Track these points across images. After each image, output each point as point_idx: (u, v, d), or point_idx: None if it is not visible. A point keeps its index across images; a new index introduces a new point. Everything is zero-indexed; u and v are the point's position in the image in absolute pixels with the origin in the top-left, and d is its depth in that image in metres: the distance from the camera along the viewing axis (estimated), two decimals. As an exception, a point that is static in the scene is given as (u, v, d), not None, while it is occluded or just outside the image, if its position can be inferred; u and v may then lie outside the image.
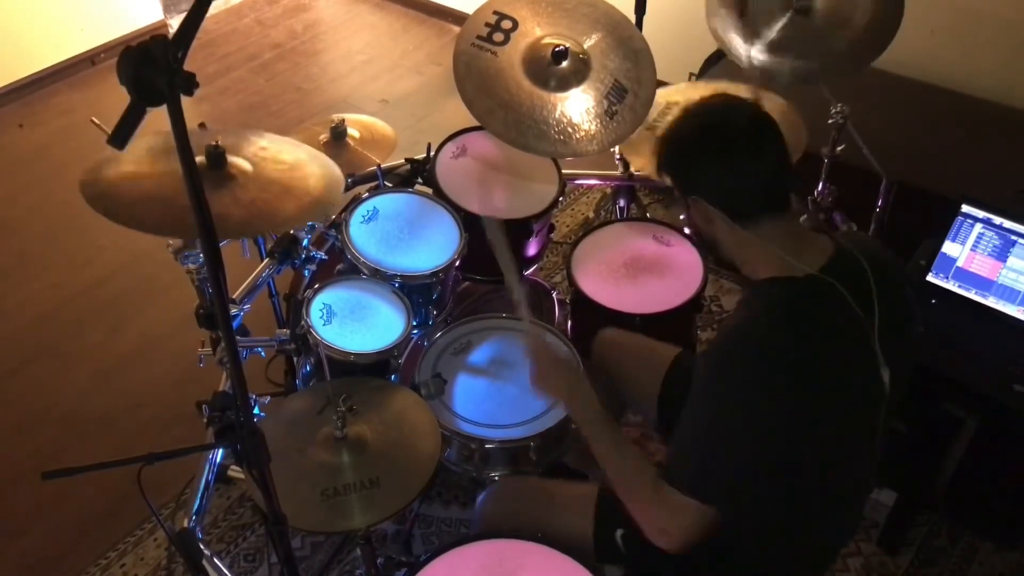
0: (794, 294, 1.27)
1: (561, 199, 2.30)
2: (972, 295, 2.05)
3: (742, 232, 1.30)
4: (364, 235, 2.08)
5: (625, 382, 1.88)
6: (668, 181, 1.37)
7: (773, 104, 2.26)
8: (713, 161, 1.30)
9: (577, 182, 2.77)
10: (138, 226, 1.60)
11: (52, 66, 3.81)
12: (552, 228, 2.42)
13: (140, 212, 1.62)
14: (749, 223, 1.29)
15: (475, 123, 2.13)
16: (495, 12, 2.14)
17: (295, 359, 2.07)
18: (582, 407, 1.47)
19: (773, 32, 2.09)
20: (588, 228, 2.35)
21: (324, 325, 1.89)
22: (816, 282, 1.26)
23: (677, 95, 2.32)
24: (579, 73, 2.12)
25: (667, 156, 1.35)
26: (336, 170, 1.84)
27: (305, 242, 2.02)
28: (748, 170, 1.28)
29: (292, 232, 1.97)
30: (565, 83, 2.11)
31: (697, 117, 1.32)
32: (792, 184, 1.32)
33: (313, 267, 2.08)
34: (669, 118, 2.19)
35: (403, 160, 2.37)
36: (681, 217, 1.41)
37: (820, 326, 1.27)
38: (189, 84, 0.90)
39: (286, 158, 1.81)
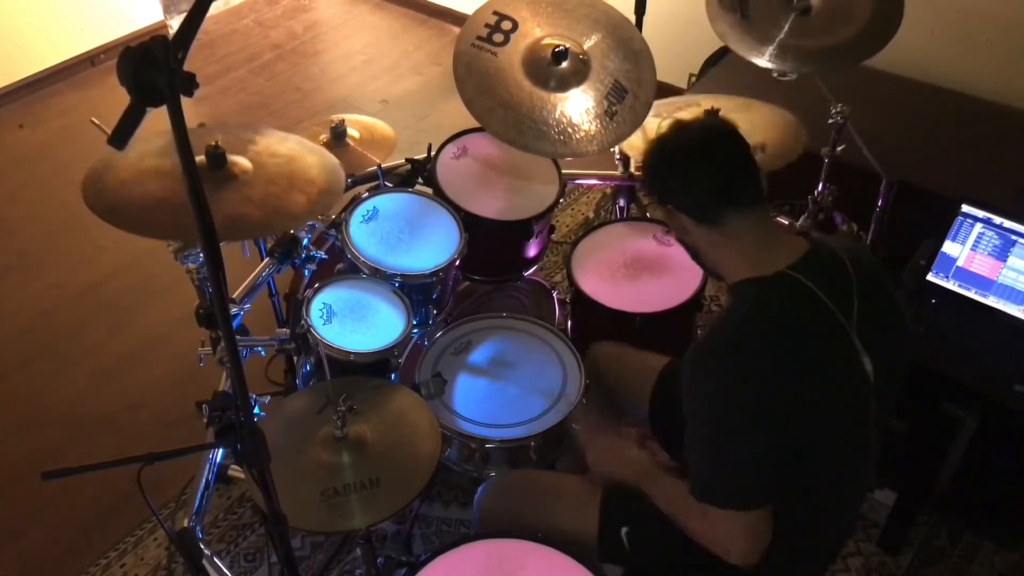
0: (762, 291, 1.34)
1: (561, 199, 2.30)
2: (972, 295, 2.05)
3: (712, 234, 1.38)
4: (364, 235, 2.08)
5: (618, 392, 1.90)
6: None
7: (767, 112, 2.26)
8: (666, 170, 1.41)
9: (577, 182, 2.77)
10: (147, 233, 1.60)
11: (52, 66, 3.81)
12: (552, 228, 2.42)
13: (148, 219, 1.61)
14: (715, 222, 1.36)
15: (475, 124, 2.13)
16: (495, 13, 2.14)
17: (295, 359, 2.07)
18: (637, 475, 1.55)
19: (774, 32, 2.09)
20: (588, 228, 2.35)
21: (324, 324, 1.89)
22: (784, 278, 1.32)
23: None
24: (579, 73, 2.12)
25: (642, 177, 1.47)
26: (331, 157, 1.84)
27: (305, 241, 2.02)
28: (695, 171, 1.37)
29: (292, 231, 1.97)
30: (565, 83, 2.11)
31: (655, 138, 1.44)
32: (757, 183, 1.37)
33: (313, 267, 2.08)
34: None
35: (403, 160, 2.38)
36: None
37: (786, 318, 1.32)
38: (189, 85, 0.90)
39: (280, 150, 1.81)
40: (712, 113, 2.13)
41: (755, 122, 2.22)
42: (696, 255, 1.47)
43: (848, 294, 1.33)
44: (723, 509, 1.33)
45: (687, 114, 2.18)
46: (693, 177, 1.37)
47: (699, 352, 1.36)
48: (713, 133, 1.39)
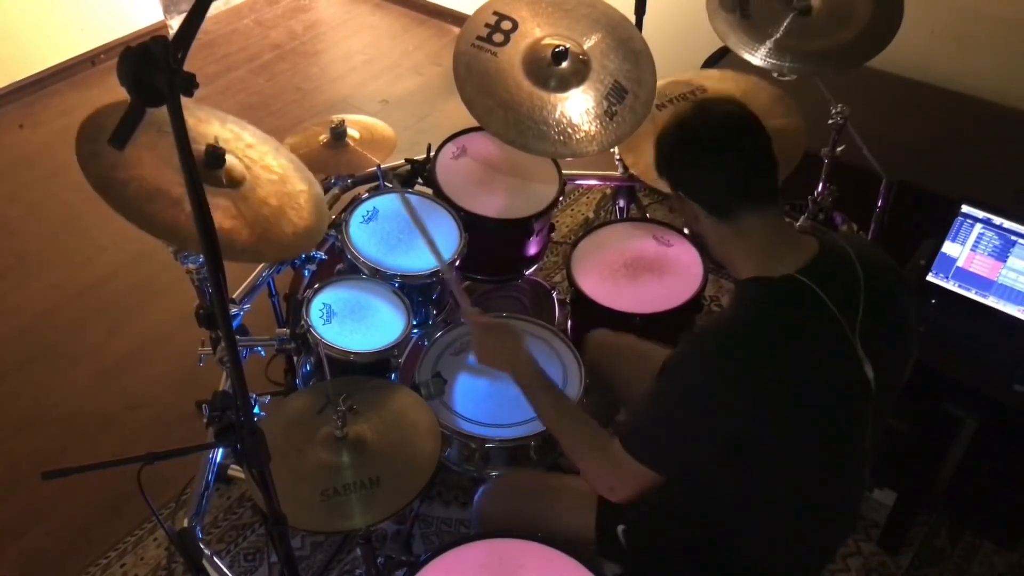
0: (766, 293, 1.32)
1: (561, 199, 2.30)
2: (972, 295, 2.05)
3: (723, 228, 1.35)
4: (364, 235, 2.08)
5: (618, 384, 1.89)
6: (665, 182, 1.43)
7: (775, 102, 2.26)
8: (685, 157, 1.36)
9: (577, 182, 2.77)
10: (146, 227, 1.58)
11: (52, 66, 3.81)
12: (552, 228, 2.42)
13: (149, 211, 1.60)
14: (728, 218, 1.33)
15: (475, 123, 2.13)
16: (495, 13, 2.14)
17: (295, 359, 2.07)
18: (528, 379, 1.58)
19: (775, 32, 2.09)
20: (588, 228, 2.35)
21: (324, 324, 1.89)
22: (791, 282, 1.30)
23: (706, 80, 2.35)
24: (579, 74, 2.12)
25: (656, 158, 1.41)
26: (317, 186, 1.85)
27: (305, 242, 2.02)
28: (715, 164, 1.32)
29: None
30: (565, 84, 2.11)
31: (676, 119, 1.38)
32: (775, 181, 1.35)
33: (313, 267, 2.08)
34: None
35: (403, 160, 2.38)
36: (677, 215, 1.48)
37: (788, 324, 1.30)
38: (189, 85, 0.90)
39: (273, 165, 1.79)
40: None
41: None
42: (704, 245, 1.45)
43: (855, 298, 1.31)
44: (641, 464, 1.36)
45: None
46: (711, 169, 1.32)
47: (695, 334, 1.40)
48: (737, 125, 1.32)
